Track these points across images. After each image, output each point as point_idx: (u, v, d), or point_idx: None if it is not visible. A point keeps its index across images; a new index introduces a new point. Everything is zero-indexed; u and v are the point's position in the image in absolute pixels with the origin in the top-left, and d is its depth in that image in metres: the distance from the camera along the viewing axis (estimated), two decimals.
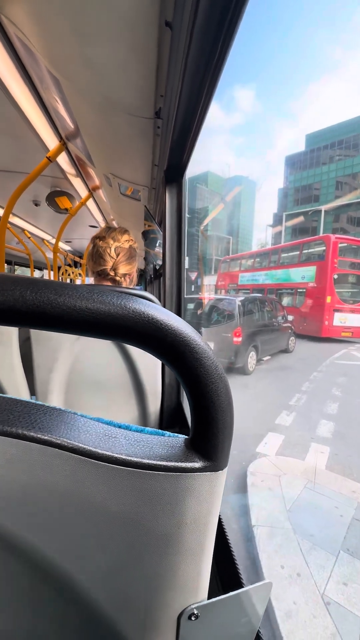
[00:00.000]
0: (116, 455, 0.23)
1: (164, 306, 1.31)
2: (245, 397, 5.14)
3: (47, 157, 1.88)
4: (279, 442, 3.58)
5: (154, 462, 0.24)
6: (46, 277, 7.46)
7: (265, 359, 7.32)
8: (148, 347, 0.23)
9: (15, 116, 1.62)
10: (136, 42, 0.78)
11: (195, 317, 7.19)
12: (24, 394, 1.06)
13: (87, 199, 2.85)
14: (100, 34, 0.80)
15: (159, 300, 1.11)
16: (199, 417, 0.25)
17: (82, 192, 2.82)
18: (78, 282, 8.07)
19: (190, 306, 7.44)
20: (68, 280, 7.69)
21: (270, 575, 1.89)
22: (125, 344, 0.22)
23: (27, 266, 5.86)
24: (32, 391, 1.08)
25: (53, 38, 0.90)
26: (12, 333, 0.99)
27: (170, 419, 1.31)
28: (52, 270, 5.23)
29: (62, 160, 2.16)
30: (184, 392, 0.26)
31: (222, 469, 0.26)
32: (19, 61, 1.22)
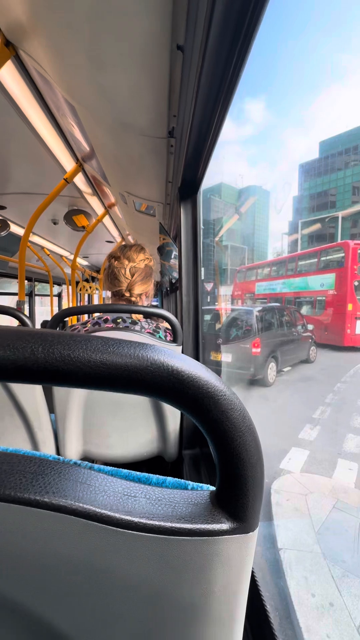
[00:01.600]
0: (136, 520, 0.21)
1: (181, 322, 1.29)
2: (266, 410, 4.99)
3: (64, 178, 1.95)
4: (304, 458, 3.43)
5: (178, 525, 0.22)
6: (65, 292, 7.66)
7: (285, 369, 7.13)
8: (170, 400, 0.21)
9: (34, 142, 1.69)
10: (148, 66, 0.79)
11: (212, 329, 7.14)
12: (43, 413, 1.06)
13: (103, 216, 2.92)
14: (113, 62, 0.82)
15: (176, 316, 1.10)
16: (225, 473, 0.23)
17: (98, 209, 2.89)
18: (95, 297, 8.22)
19: (207, 318, 7.40)
20: (86, 296, 7.85)
21: (300, 604, 1.78)
22: (145, 396, 0.21)
23: (46, 282, 6.04)
24: (51, 409, 1.08)
25: (69, 69, 0.93)
26: None
27: (190, 439, 1.27)
28: (70, 285, 5.35)
29: (79, 180, 2.22)
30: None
31: (252, 531, 0.23)
32: (37, 91, 1.27)
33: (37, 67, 1.06)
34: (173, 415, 1.12)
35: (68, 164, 1.95)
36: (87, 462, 0.25)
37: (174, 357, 0.20)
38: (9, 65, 1.12)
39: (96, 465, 0.25)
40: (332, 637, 1.62)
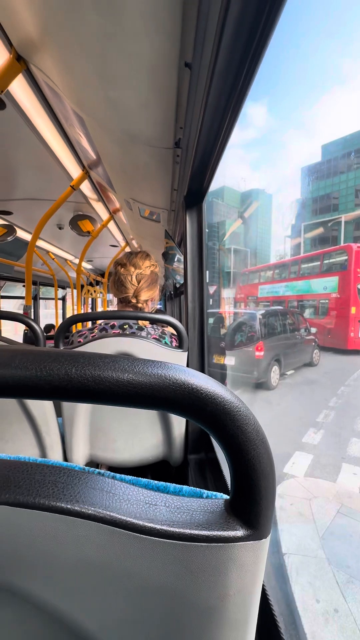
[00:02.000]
0: (158, 527, 0.22)
1: (187, 329, 1.31)
2: (270, 414, 4.98)
3: (71, 185, 1.98)
4: (308, 462, 3.42)
5: (196, 532, 0.23)
6: (69, 295, 7.70)
7: (288, 373, 7.12)
8: (189, 416, 0.22)
9: (42, 150, 1.72)
10: (156, 82, 0.81)
11: (215, 332, 7.14)
12: (51, 419, 1.07)
13: (108, 221, 2.95)
14: (122, 76, 0.85)
15: (180, 321, 1.11)
16: (239, 483, 0.24)
17: (103, 215, 2.92)
18: (99, 301, 8.26)
19: (210, 321, 7.41)
20: (90, 299, 7.89)
21: (304, 610, 1.77)
22: (168, 412, 0.22)
23: (51, 286, 6.08)
24: (59, 413, 1.10)
25: (78, 83, 0.96)
26: None
27: (195, 444, 1.28)
28: (74, 289, 5.40)
29: (85, 187, 2.26)
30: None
31: (265, 537, 0.25)
32: (46, 103, 1.30)
33: (47, 80, 1.09)
34: (178, 420, 1.13)
35: (74, 171, 1.98)
36: (109, 472, 0.26)
37: (194, 376, 0.22)
38: (20, 79, 1.15)
39: (118, 475, 0.27)
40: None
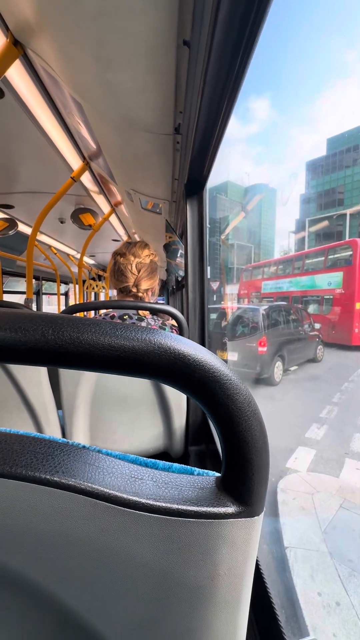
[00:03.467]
0: (143, 501, 0.21)
1: (187, 319, 1.30)
2: (273, 409, 4.97)
3: (71, 177, 1.96)
4: (310, 457, 3.41)
5: (184, 507, 0.22)
6: (72, 290, 7.70)
7: (292, 369, 7.08)
8: (175, 384, 0.21)
9: (42, 141, 1.70)
10: (155, 62, 0.79)
11: (218, 327, 7.12)
12: (50, 409, 1.07)
13: (109, 214, 2.94)
14: (120, 59, 0.83)
15: (182, 313, 1.10)
16: (231, 457, 0.23)
17: (105, 208, 2.91)
18: (102, 295, 8.26)
19: (213, 316, 7.39)
20: (92, 294, 7.90)
21: (306, 603, 1.77)
22: (152, 380, 0.21)
23: (54, 281, 6.09)
24: (59, 405, 1.09)
25: (75, 66, 0.94)
26: None
27: (196, 436, 1.28)
28: (77, 284, 5.40)
29: (86, 179, 2.24)
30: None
31: (258, 515, 0.24)
32: (44, 89, 1.28)
33: (44, 65, 1.07)
34: (179, 412, 1.12)
35: (75, 162, 1.96)
36: (95, 447, 0.25)
37: (181, 341, 0.21)
38: (17, 65, 1.13)
39: (104, 449, 0.25)
40: (339, 636, 1.61)
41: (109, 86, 0.93)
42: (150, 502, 0.21)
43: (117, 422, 1.13)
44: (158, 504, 0.22)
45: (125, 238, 4.31)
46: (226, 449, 0.23)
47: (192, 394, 0.21)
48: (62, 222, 3.46)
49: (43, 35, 0.93)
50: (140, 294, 1.13)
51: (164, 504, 0.22)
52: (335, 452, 3.53)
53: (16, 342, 0.18)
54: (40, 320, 0.19)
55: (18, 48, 1.05)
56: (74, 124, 1.47)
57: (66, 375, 1.04)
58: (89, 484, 0.21)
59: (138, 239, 4.18)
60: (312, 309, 10.12)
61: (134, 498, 0.21)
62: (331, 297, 9.55)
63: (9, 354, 0.19)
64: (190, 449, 1.28)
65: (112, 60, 0.83)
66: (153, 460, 0.27)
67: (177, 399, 1.09)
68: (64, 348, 0.19)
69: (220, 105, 0.77)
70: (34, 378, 1.03)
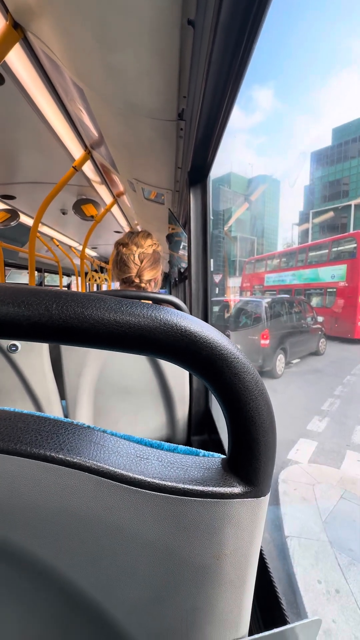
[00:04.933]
0: (149, 480, 0.21)
1: (190, 310, 1.29)
2: (274, 402, 4.95)
3: (73, 166, 1.94)
4: (312, 449, 3.42)
5: (189, 486, 0.22)
6: (74, 283, 7.69)
7: (294, 362, 7.08)
8: (182, 362, 0.20)
9: (43, 129, 1.68)
10: (158, 43, 0.77)
11: (221, 320, 7.11)
12: (54, 399, 1.08)
13: (111, 205, 2.91)
14: (122, 39, 0.80)
15: (185, 303, 1.09)
16: (237, 437, 0.23)
17: (107, 199, 2.88)
18: (104, 287, 8.26)
19: (216, 309, 7.37)
20: (95, 286, 7.89)
21: (306, 591, 1.80)
22: (158, 358, 0.20)
23: (56, 273, 6.08)
24: (62, 396, 1.10)
25: (77, 49, 0.92)
26: None
27: (198, 425, 1.28)
28: (79, 276, 5.39)
29: (87, 168, 2.21)
30: (213, 399, 0.24)
31: (264, 495, 0.24)
32: (45, 75, 1.26)
33: (45, 49, 1.04)
34: (182, 401, 1.12)
35: (77, 151, 1.94)
36: (99, 427, 0.25)
37: (187, 319, 0.20)
38: (17, 49, 1.11)
39: (109, 430, 0.25)
40: (338, 622, 1.64)
41: (111, 69, 0.90)
42: (156, 480, 0.21)
43: (120, 412, 1.14)
44: (164, 482, 0.21)
45: (127, 229, 4.28)
46: (233, 429, 0.23)
47: (198, 372, 0.21)
48: (64, 213, 3.43)
49: (43, 16, 0.91)
50: (143, 285, 1.12)
51: (169, 483, 0.22)
52: (337, 444, 3.54)
53: (19, 316, 0.18)
54: (44, 295, 0.18)
55: (18, 31, 1.03)
56: (76, 110, 1.45)
57: (69, 365, 1.04)
58: (95, 462, 0.21)
59: (139, 230, 4.15)
60: (315, 301, 10.07)
61: (140, 477, 0.21)
62: (334, 290, 9.48)
63: (12, 329, 0.18)
64: (192, 439, 1.29)
65: (115, 41, 0.81)
66: (158, 441, 0.26)
67: (180, 389, 1.09)
68: (68, 323, 0.18)
69: (225, 88, 0.75)
70: (38, 368, 1.03)
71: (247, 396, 0.21)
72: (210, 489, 0.22)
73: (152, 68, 0.84)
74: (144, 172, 1.72)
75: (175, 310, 0.21)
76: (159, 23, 0.73)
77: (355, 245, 8.97)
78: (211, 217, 1.30)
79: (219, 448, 1.20)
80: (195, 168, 1.19)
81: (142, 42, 0.79)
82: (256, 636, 0.27)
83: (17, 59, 1.17)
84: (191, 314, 1.23)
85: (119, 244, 1.13)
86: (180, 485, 0.22)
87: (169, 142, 1.25)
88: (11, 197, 2.87)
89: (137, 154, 1.47)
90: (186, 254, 2.09)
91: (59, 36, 0.93)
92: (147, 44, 0.79)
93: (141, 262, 1.11)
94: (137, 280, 1.11)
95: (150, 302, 0.96)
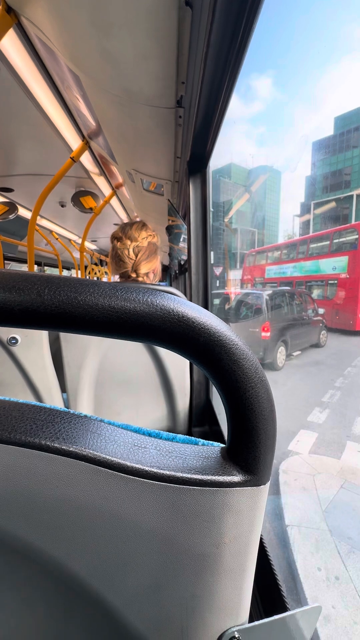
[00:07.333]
0: (147, 469, 0.21)
1: (190, 300, 1.28)
2: (275, 394, 4.96)
3: (71, 157, 1.91)
4: (312, 440, 3.45)
5: (188, 475, 0.21)
6: (74, 276, 7.68)
7: (295, 354, 7.09)
8: (179, 349, 0.20)
9: (40, 119, 1.65)
10: (155, 27, 0.75)
11: (222, 312, 7.10)
12: (55, 392, 1.08)
13: (110, 197, 2.88)
14: (118, 23, 0.78)
15: (185, 295, 1.09)
16: (237, 426, 0.22)
17: (106, 190, 2.85)
18: (104, 280, 8.23)
19: (216, 302, 7.35)
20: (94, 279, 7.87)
21: (306, 577, 1.83)
22: (154, 345, 0.20)
23: (56, 266, 6.05)
24: (63, 388, 1.10)
25: (72, 34, 0.89)
26: (42, 332, 1.01)
27: (199, 417, 1.29)
28: (79, 269, 5.37)
29: (86, 160, 2.18)
30: (214, 390, 0.23)
31: (264, 484, 0.23)
32: (40, 62, 1.23)
33: (39, 34, 1.02)
34: (182, 393, 1.12)
35: (74, 141, 1.90)
36: (97, 416, 0.25)
37: (185, 304, 0.20)
38: (11, 35, 1.08)
39: (106, 419, 0.25)
40: (337, 607, 1.67)
41: (108, 54, 0.88)
42: (154, 469, 0.21)
43: (121, 404, 1.14)
44: (162, 471, 0.21)
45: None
46: (232, 417, 0.22)
47: (197, 359, 0.20)
48: (62, 206, 3.40)
49: (37, 0, 0.88)
50: (140, 278, 1.11)
51: (168, 472, 0.21)
52: (337, 435, 3.57)
53: (10, 302, 0.17)
54: (36, 280, 0.18)
55: (12, 16, 1.00)
56: (72, 99, 1.42)
57: (70, 358, 1.04)
58: (91, 451, 0.20)
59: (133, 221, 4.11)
60: (316, 293, 10.03)
61: (137, 465, 0.21)
62: (335, 282, 9.44)
63: (2, 315, 0.18)
64: (193, 430, 1.30)
65: (110, 24, 0.78)
66: (156, 430, 0.26)
67: (181, 380, 1.09)
68: (61, 309, 0.18)
69: (225, 72, 0.73)
70: (38, 361, 1.03)
71: (246, 383, 0.21)
72: (209, 477, 0.22)
73: (150, 52, 0.82)
74: (142, 163, 1.70)
75: (172, 295, 0.20)
76: (156, 4, 0.70)
77: (356, 236, 8.90)
78: (211, 209, 1.28)
79: (219, 439, 1.21)
80: (195, 157, 1.17)
81: (139, 24, 0.76)
82: (256, 623, 0.27)
83: (11, 46, 1.14)
84: None
85: (114, 238, 1.12)
86: (179, 474, 0.21)
87: (168, 130, 1.22)
88: (9, 190, 2.84)
89: (136, 144, 1.45)
90: (186, 247, 2.07)
91: (53, 20, 0.90)
92: (144, 27, 0.76)
93: (136, 255, 1.09)
94: (133, 275, 1.10)
95: None
